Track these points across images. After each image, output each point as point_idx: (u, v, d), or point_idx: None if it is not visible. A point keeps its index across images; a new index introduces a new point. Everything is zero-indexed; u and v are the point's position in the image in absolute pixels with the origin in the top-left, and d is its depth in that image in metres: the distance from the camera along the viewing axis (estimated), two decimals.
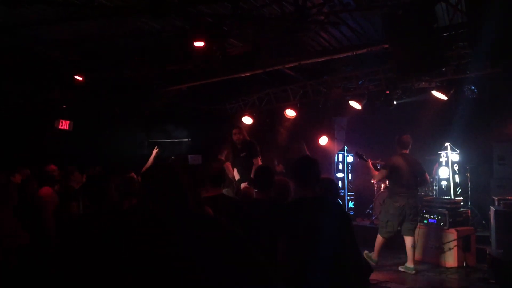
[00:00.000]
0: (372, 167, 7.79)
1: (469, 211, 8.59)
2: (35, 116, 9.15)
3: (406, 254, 7.35)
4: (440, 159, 9.09)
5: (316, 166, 3.76)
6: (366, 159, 7.98)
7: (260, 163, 7.73)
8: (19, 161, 7.38)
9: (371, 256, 7.37)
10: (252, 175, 6.80)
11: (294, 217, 3.59)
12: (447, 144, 9.31)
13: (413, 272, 7.20)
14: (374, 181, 7.90)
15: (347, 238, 3.58)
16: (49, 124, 9.57)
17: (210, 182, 4.57)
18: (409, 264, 7.27)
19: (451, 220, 7.76)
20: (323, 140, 11.56)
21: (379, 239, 7.43)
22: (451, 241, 7.50)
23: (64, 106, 9.65)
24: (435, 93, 8.55)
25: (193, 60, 7.66)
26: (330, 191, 4.60)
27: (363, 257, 4.53)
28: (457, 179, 9.09)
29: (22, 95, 8.78)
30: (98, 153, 9.34)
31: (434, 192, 9.39)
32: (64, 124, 9.80)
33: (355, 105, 9.52)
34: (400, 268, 7.35)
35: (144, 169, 6.56)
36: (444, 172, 9.27)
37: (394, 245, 7.78)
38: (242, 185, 7.85)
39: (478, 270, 7.26)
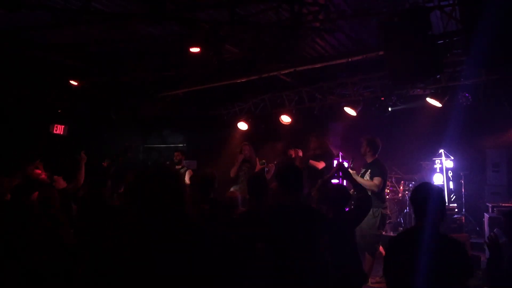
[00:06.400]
0: None
1: (463, 217, 8.63)
2: (29, 120, 9.11)
3: None
4: (434, 166, 9.14)
5: (299, 174, 3.80)
6: None
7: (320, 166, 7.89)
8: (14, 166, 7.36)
9: None
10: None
11: (270, 225, 3.62)
12: (441, 150, 9.37)
13: None
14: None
15: (325, 245, 3.61)
16: (44, 128, 9.54)
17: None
18: None
19: (445, 227, 7.78)
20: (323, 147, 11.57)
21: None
22: None
23: (59, 111, 9.63)
24: (430, 100, 8.59)
25: (190, 65, 7.69)
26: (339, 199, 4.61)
27: (356, 265, 4.48)
28: (451, 185, 9.15)
29: (18, 99, 8.75)
30: (93, 158, 9.32)
31: None
32: (59, 129, 9.77)
33: (350, 111, 9.55)
34: None
35: None
36: (438, 179, 9.33)
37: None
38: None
39: (472, 277, 7.26)
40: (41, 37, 7.12)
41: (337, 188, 4.69)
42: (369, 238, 6.72)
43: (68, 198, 6.15)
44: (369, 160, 7.05)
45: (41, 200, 5.31)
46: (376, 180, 6.77)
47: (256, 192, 4.41)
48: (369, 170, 6.92)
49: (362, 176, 6.98)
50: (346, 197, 4.65)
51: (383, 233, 8.20)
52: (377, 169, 6.85)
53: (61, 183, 6.84)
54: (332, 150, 8.82)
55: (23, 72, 8.14)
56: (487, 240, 4.54)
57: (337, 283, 3.80)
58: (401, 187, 9.95)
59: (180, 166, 9.43)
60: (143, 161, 12.12)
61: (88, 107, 9.88)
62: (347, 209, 4.98)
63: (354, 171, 6.99)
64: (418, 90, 9.08)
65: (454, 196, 9.17)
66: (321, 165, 7.78)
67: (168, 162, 9.81)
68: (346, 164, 11.67)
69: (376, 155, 7.07)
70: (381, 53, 6.70)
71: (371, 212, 6.79)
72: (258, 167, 8.08)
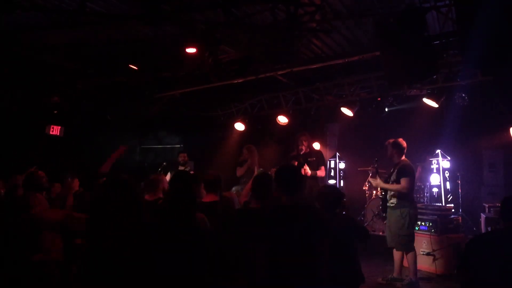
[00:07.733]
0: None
1: (460, 218, 8.62)
2: (25, 121, 9.09)
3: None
4: (431, 166, 9.14)
5: (298, 175, 3.80)
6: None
7: (324, 173, 8.45)
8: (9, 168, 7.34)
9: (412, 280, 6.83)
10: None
11: (269, 226, 3.61)
12: (438, 151, 9.38)
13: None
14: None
15: (322, 247, 3.59)
16: (40, 130, 9.52)
17: (205, 188, 4.66)
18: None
19: (442, 227, 7.78)
20: (315, 147, 11.59)
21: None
22: (442, 248, 7.51)
23: (55, 112, 9.61)
24: (426, 101, 8.60)
25: (186, 66, 7.66)
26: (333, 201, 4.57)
27: (352, 268, 4.43)
28: (448, 186, 9.16)
29: (13, 101, 8.72)
30: (89, 159, 9.30)
31: (426, 199, 9.43)
32: (55, 130, 9.76)
33: (347, 112, 9.56)
34: None
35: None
36: (435, 179, 9.33)
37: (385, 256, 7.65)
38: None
39: None
40: (37, 39, 7.09)
41: (327, 187, 4.66)
42: (401, 238, 6.79)
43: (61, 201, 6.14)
44: (396, 161, 7.10)
45: (22, 204, 5.31)
46: (403, 181, 6.79)
47: (259, 192, 4.39)
48: (396, 171, 6.99)
49: (390, 175, 7.06)
50: (336, 197, 4.61)
51: (380, 233, 8.20)
52: (403, 170, 6.88)
53: (57, 186, 6.84)
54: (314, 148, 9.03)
55: (19, 73, 8.11)
56: None
57: (332, 284, 3.78)
58: None
59: (183, 168, 9.55)
60: (139, 162, 12.10)
61: (84, 108, 9.86)
62: (344, 212, 4.95)
63: (378, 180, 7.12)
64: (415, 90, 9.09)
65: (451, 197, 9.16)
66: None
67: (164, 163, 9.80)
68: (343, 165, 11.77)
69: (403, 156, 7.08)
70: (377, 53, 6.71)
71: (399, 213, 6.82)
72: (256, 174, 8.10)
